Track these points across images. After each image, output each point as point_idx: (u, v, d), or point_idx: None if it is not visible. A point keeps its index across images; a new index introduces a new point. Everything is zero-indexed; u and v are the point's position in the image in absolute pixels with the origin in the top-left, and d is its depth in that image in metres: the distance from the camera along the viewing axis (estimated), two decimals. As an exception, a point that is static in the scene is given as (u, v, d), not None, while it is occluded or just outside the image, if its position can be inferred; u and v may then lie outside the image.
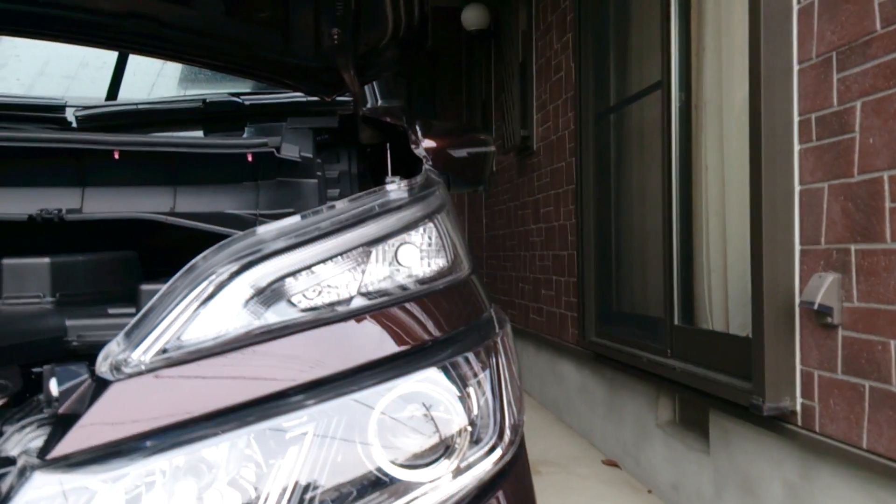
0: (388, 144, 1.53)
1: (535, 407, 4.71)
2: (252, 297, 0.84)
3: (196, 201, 1.46)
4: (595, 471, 3.41)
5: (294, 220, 0.95)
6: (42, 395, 0.90)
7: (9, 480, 0.73)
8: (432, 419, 0.84)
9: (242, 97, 1.81)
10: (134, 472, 0.73)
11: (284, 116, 1.67)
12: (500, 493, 0.88)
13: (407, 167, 1.33)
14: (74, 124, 1.78)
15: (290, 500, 0.76)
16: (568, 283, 4.13)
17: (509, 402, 0.91)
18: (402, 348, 0.88)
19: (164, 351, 0.79)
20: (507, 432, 0.89)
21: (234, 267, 0.84)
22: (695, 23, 2.83)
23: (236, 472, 0.75)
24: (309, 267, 0.87)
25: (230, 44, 1.65)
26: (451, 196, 1.19)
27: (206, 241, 1.04)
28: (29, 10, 1.53)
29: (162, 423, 0.76)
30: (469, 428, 0.86)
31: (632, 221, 3.49)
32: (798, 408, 2.07)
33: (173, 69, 2.29)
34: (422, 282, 0.95)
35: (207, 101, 1.77)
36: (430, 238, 0.98)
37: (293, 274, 0.86)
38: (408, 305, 0.92)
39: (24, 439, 0.84)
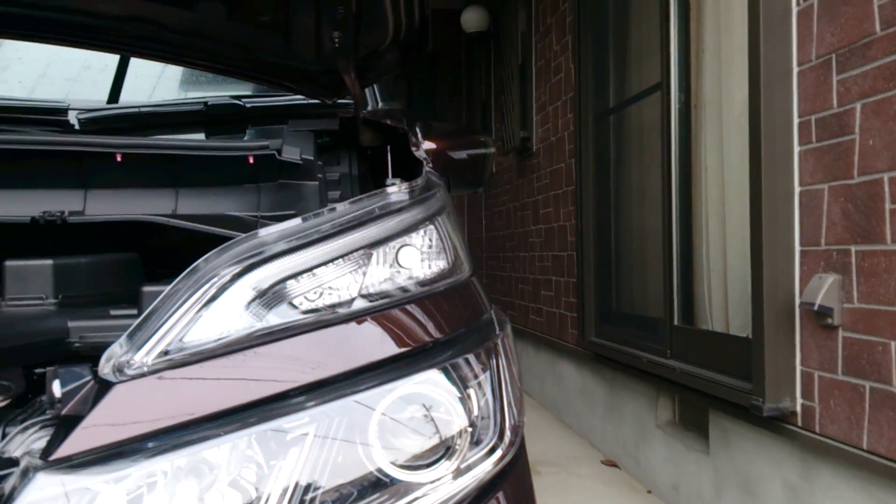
0: (388, 146, 1.53)
1: (535, 407, 4.71)
2: (254, 300, 0.84)
3: (197, 203, 1.46)
4: (595, 471, 3.41)
5: (295, 222, 0.96)
6: (45, 397, 0.90)
7: (12, 481, 0.74)
8: (433, 420, 0.84)
9: (244, 100, 1.82)
10: (136, 472, 0.73)
11: (285, 119, 1.67)
12: (500, 494, 0.89)
13: (407, 169, 1.33)
14: (77, 127, 1.78)
15: (290, 501, 0.76)
16: (567, 283, 4.13)
17: (509, 404, 0.91)
18: (403, 350, 0.88)
19: (167, 353, 0.80)
20: (508, 433, 0.89)
21: (237, 269, 0.85)
22: (694, 24, 2.83)
23: (237, 472, 0.76)
24: (310, 269, 0.88)
25: (231, 47, 1.66)
26: (451, 197, 1.19)
27: (208, 242, 1.04)
28: (31, 14, 1.53)
29: (164, 425, 0.76)
30: (469, 429, 0.86)
31: (631, 222, 3.49)
32: (798, 408, 2.08)
33: (175, 72, 2.30)
34: (422, 284, 0.95)
35: (209, 103, 1.77)
36: (430, 240, 0.99)
37: (295, 276, 0.87)
38: (408, 307, 0.92)
39: (27, 440, 0.84)
